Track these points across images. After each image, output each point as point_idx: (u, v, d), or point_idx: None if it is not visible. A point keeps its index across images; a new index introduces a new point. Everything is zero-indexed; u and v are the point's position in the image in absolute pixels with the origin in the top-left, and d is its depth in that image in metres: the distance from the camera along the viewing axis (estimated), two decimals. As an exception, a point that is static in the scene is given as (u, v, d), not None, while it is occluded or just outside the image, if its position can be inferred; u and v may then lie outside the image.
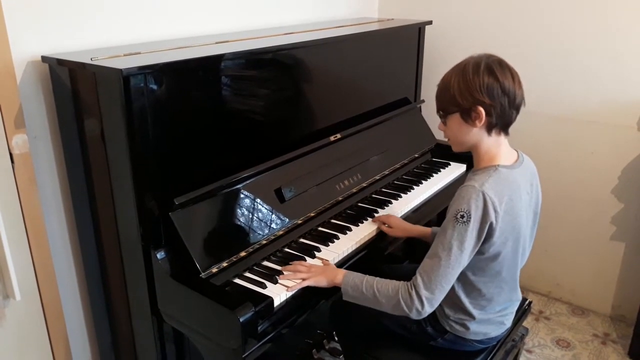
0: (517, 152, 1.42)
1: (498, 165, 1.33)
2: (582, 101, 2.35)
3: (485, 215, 1.26)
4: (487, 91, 1.27)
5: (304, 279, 1.43)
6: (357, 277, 1.41)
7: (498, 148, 1.36)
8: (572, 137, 2.42)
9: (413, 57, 2.43)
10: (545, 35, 2.36)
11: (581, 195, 2.46)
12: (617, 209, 2.39)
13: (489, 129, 1.32)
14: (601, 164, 2.37)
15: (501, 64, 1.31)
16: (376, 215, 1.81)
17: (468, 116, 1.31)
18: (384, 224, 1.75)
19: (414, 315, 1.33)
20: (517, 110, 1.33)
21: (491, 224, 1.27)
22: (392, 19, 2.57)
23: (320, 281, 1.44)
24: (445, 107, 1.36)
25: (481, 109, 1.29)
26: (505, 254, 1.35)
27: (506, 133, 1.36)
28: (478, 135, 1.34)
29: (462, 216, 1.26)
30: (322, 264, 1.53)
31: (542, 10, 2.35)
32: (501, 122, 1.32)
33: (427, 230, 1.73)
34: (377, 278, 1.39)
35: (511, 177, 1.33)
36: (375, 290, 1.36)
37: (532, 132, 2.48)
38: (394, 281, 1.36)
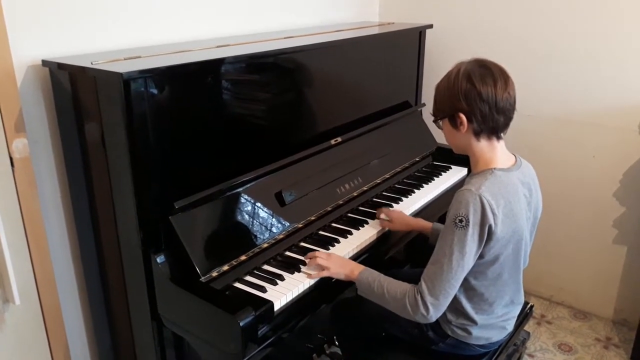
0: (515, 156, 1.42)
1: (494, 168, 1.33)
2: (584, 104, 2.34)
3: (484, 218, 1.26)
4: (464, 98, 1.28)
5: (323, 268, 1.46)
6: (371, 275, 1.43)
7: (493, 152, 1.36)
8: (573, 139, 2.41)
9: (414, 60, 2.43)
10: (547, 38, 2.36)
11: (583, 199, 2.45)
12: (618, 213, 2.38)
13: (476, 134, 1.33)
14: (603, 167, 2.36)
15: (485, 68, 1.29)
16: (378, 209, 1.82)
17: (454, 122, 1.33)
18: (387, 219, 1.76)
19: (419, 320, 1.33)
20: (505, 114, 1.31)
21: (490, 226, 1.27)
22: (393, 23, 2.58)
23: (339, 274, 1.47)
24: (435, 113, 1.40)
25: (462, 116, 1.30)
26: (506, 257, 1.35)
27: (498, 137, 1.35)
28: (467, 140, 1.35)
29: (461, 220, 1.26)
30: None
31: (544, 13, 2.35)
32: (486, 128, 1.31)
33: (428, 224, 1.73)
34: (389, 279, 1.40)
35: (508, 180, 1.33)
36: (385, 291, 1.37)
37: (533, 134, 2.48)
38: (403, 284, 1.37)
